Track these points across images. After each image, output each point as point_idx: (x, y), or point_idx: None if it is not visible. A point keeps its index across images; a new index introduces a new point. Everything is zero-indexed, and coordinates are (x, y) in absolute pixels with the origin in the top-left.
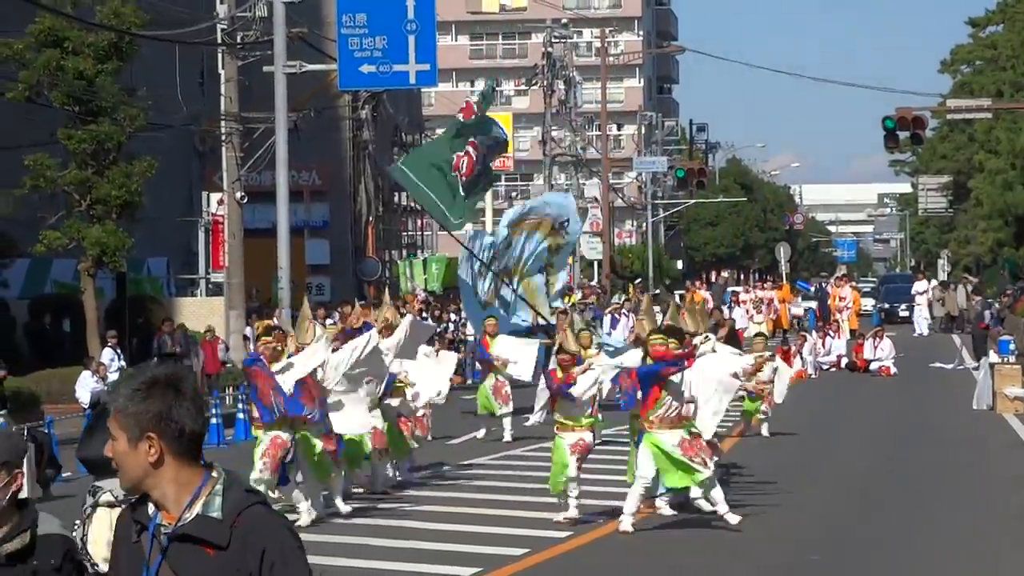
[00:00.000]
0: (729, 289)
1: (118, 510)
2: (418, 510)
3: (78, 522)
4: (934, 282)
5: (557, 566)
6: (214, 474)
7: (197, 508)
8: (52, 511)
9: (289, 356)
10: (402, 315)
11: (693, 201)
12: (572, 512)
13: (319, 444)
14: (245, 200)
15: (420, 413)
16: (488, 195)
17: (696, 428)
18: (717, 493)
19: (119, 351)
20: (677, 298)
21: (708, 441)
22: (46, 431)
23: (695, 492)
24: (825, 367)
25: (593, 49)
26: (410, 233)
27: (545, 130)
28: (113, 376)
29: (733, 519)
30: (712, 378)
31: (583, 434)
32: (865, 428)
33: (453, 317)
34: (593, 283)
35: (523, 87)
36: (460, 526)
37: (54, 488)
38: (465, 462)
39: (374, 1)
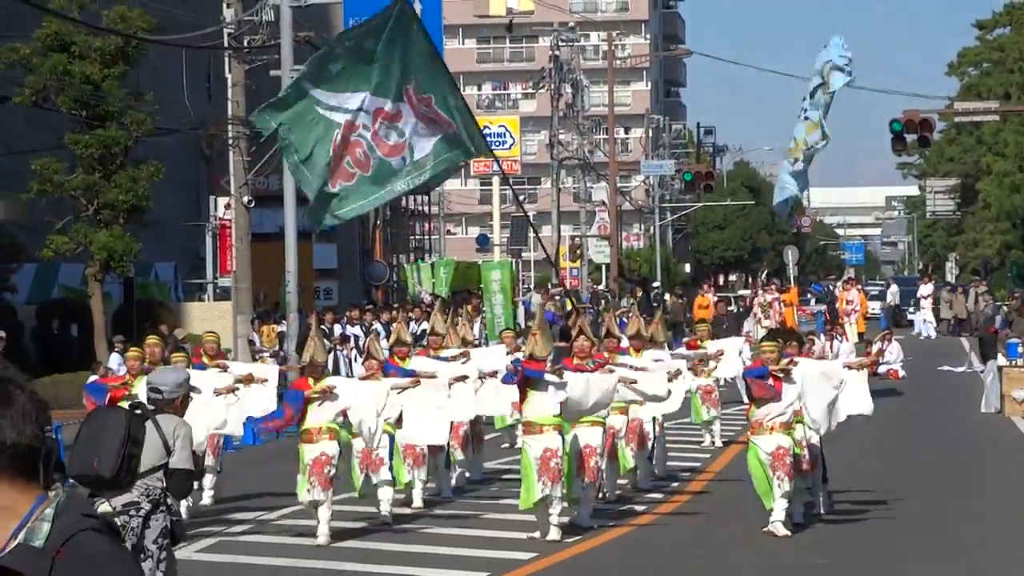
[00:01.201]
0: (741, 292)
1: (115, 520)
2: (426, 514)
3: None
4: (930, 286)
5: (565, 570)
6: (50, 495)
7: (21, 536)
8: None
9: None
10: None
11: (701, 204)
12: (554, 534)
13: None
14: (252, 204)
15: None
16: (496, 199)
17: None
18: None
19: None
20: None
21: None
22: (54, 436)
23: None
24: None
25: (600, 52)
26: (418, 237)
27: (552, 134)
28: None
29: (781, 531)
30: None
31: (551, 439)
32: (873, 431)
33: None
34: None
35: (530, 91)
36: (468, 530)
37: None
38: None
39: (381, 5)
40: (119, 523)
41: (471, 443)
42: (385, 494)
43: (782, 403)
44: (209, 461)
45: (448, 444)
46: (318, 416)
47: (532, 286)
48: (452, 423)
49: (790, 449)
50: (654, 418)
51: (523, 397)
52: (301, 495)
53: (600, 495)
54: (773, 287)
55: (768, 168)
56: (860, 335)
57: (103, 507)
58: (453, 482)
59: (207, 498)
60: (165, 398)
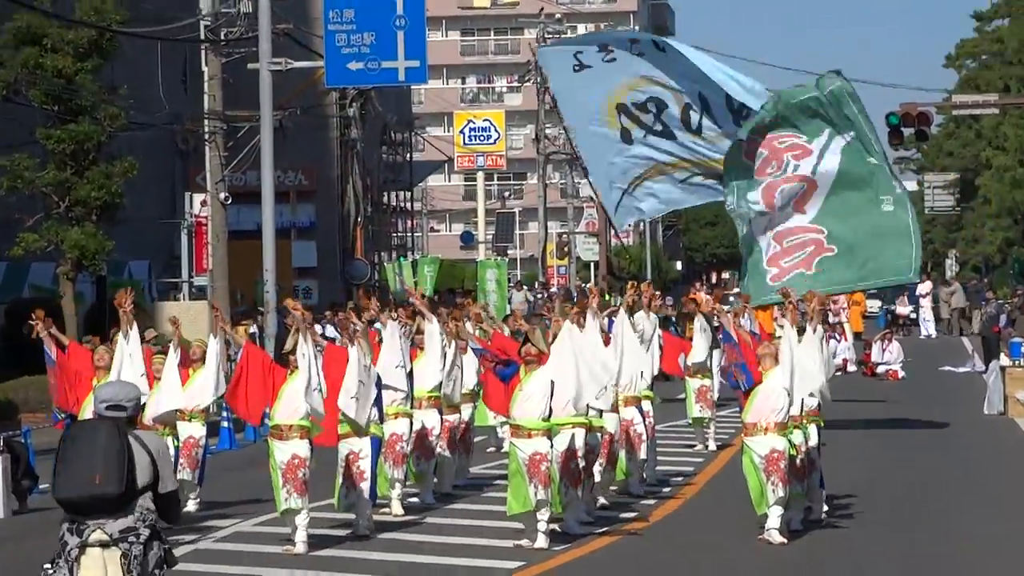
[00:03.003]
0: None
1: (114, 550)
2: (409, 522)
3: (49, 566)
4: (928, 284)
5: None
6: None
7: None
8: (29, 524)
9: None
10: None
11: None
12: (541, 542)
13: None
14: (229, 201)
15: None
16: (480, 195)
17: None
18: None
19: None
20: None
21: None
22: (23, 441)
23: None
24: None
25: None
26: (400, 234)
27: (538, 128)
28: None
29: (776, 538)
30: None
31: (539, 443)
32: (872, 434)
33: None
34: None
35: (515, 84)
36: (453, 538)
37: (31, 500)
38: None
39: None
40: (120, 551)
41: (460, 447)
42: (365, 511)
43: (774, 392)
44: (186, 476)
45: (438, 448)
46: (288, 410)
47: (516, 283)
48: (444, 421)
49: (785, 452)
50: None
51: (510, 395)
52: (279, 504)
53: (595, 503)
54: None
55: None
56: (857, 335)
57: (96, 535)
58: (448, 486)
59: (191, 504)
60: (128, 415)
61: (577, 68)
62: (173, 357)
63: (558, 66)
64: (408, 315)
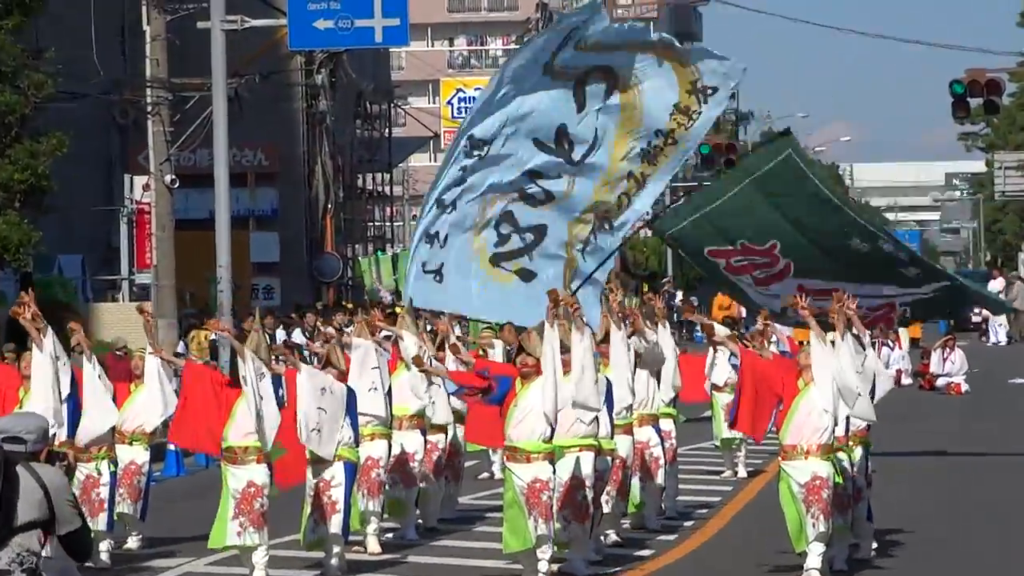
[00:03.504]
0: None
1: None
2: (386, 561)
3: None
4: (1000, 281)
5: None
6: None
7: None
8: None
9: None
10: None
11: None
12: None
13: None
14: (176, 185)
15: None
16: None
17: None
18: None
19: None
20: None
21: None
22: None
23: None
24: None
25: None
26: (377, 224)
27: None
28: None
29: None
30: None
31: (540, 468)
32: (929, 458)
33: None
34: None
35: (513, 46)
36: None
37: None
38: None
39: None
40: None
41: (447, 473)
42: (336, 549)
43: (816, 409)
44: (126, 508)
45: (421, 475)
46: (242, 430)
47: None
48: (427, 444)
49: (828, 480)
50: (661, 441)
51: (505, 413)
52: (222, 537)
53: (604, 537)
54: None
55: (802, 139)
56: (914, 341)
57: None
58: (433, 519)
59: (133, 541)
60: (28, 450)
61: (441, 245)
62: (90, 369)
63: (424, 280)
64: (384, 318)
